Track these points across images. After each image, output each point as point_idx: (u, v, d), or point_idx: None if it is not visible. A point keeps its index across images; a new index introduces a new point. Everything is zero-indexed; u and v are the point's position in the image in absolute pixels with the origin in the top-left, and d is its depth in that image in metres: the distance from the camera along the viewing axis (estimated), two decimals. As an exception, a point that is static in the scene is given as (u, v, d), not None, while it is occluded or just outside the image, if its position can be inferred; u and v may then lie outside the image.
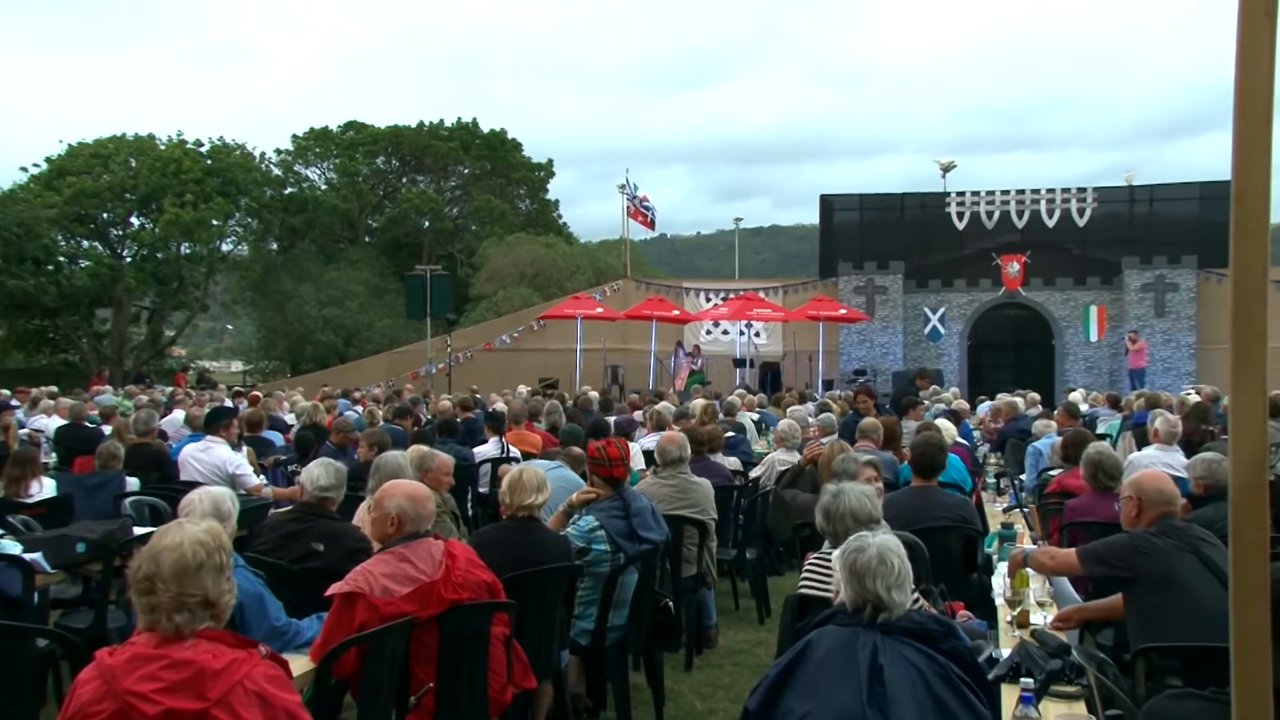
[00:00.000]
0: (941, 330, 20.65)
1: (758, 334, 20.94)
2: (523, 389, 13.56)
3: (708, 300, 21.97)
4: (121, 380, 22.08)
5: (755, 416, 9.73)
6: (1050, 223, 20.69)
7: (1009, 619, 2.94)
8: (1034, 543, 3.89)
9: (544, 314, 19.91)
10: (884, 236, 21.83)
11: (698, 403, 8.42)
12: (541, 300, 26.44)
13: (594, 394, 11.78)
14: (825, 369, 18.15)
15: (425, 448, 4.65)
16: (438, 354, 19.43)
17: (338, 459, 3.94)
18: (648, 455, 5.84)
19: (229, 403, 10.79)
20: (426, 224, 33.33)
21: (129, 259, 27.00)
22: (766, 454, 7.15)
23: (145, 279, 26.53)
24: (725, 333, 21.59)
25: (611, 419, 7.84)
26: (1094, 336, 19.76)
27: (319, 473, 3.59)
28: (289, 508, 3.82)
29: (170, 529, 1.87)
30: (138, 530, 4.21)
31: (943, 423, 6.64)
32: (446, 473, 4.40)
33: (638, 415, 8.79)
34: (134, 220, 26.95)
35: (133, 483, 5.22)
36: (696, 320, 20.23)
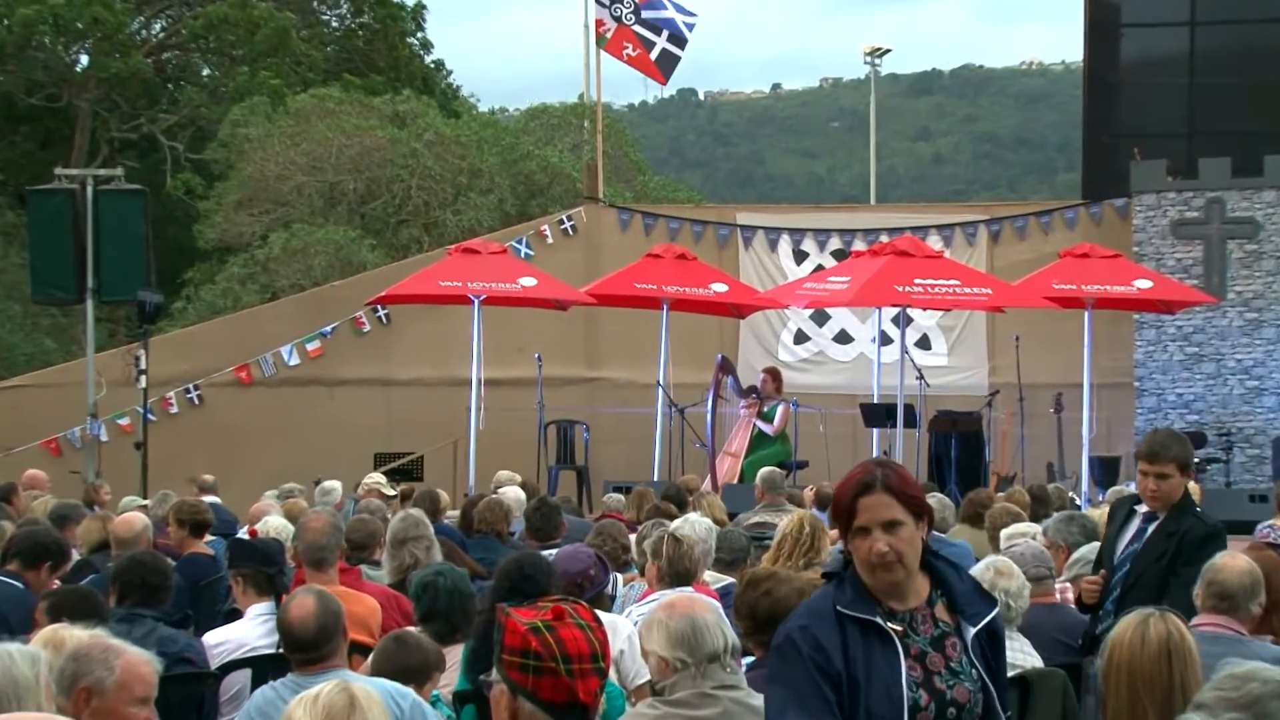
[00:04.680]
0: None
1: (924, 342, 21.11)
2: (332, 484, 13.67)
3: (798, 256, 22.27)
4: None
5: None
6: None
7: None
8: None
9: (388, 293, 19.92)
10: (1250, 98, 21.92)
11: (785, 520, 8.44)
12: (383, 258, 26.52)
13: (513, 492, 11.92)
14: (1100, 431, 18.18)
15: (82, 633, 4.68)
16: (116, 392, 19.64)
17: None
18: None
19: None
20: (84, 62, 33.63)
21: None
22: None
23: None
24: (843, 338, 21.88)
25: (552, 553, 7.88)
26: None
27: None
28: None
29: None
30: None
31: None
32: (139, 695, 4.42)
33: (630, 543, 8.80)
34: None
35: None
36: (768, 306, 20.49)
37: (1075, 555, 8.07)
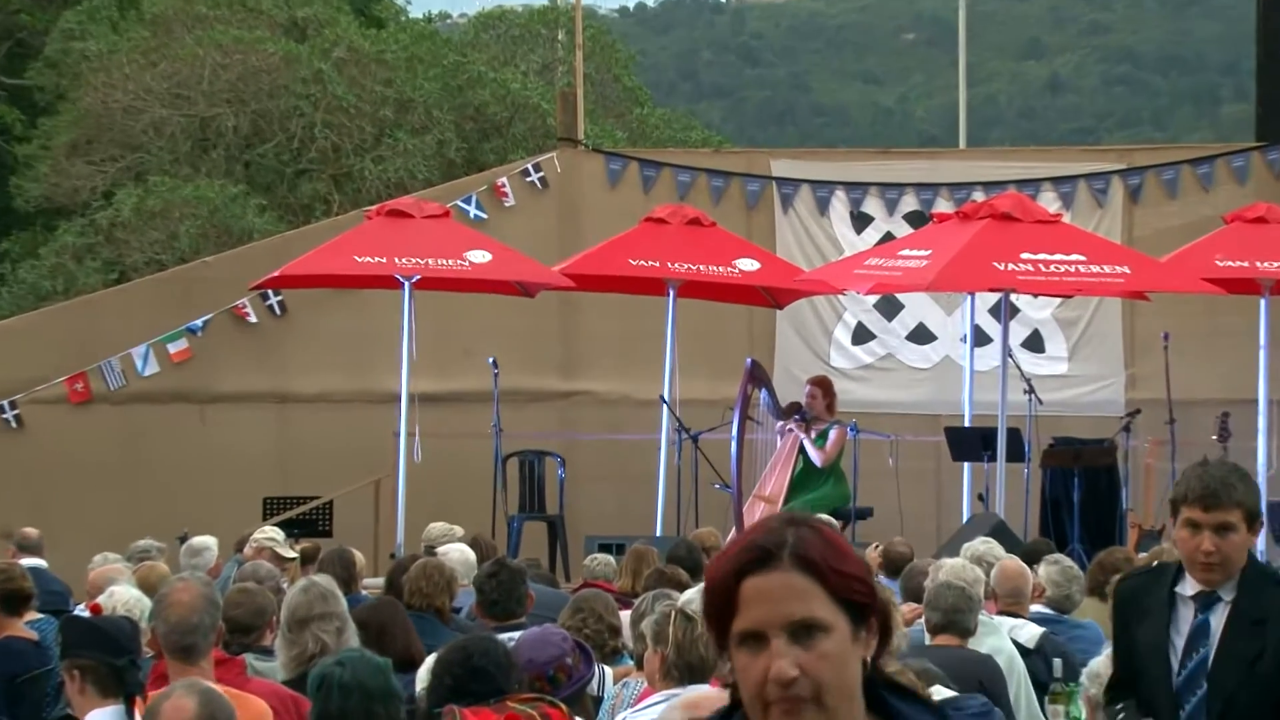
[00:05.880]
0: None
1: (1035, 342, 21.41)
2: (204, 541, 13.69)
3: (858, 222, 22.56)
4: None
5: (1033, 635, 9.97)
6: None
7: None
8: None
9: (282, 272, 19.91)
10: None
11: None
12: (275, 223, 26.95)
13: (459, 553, 12.05)
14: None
15: None
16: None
17: None
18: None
19: None
20: None
21: None
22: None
23: None
24: (921, 336, 22.19)
25: (512, 637, 7.98)
26: None
27: None
28: None
29: None
30: None
31: None
32: None
33: (622, 623, 8.91)
34: None
35: None
36: (817, 292, 20.78)
37: (1091, 666, 7.58)
